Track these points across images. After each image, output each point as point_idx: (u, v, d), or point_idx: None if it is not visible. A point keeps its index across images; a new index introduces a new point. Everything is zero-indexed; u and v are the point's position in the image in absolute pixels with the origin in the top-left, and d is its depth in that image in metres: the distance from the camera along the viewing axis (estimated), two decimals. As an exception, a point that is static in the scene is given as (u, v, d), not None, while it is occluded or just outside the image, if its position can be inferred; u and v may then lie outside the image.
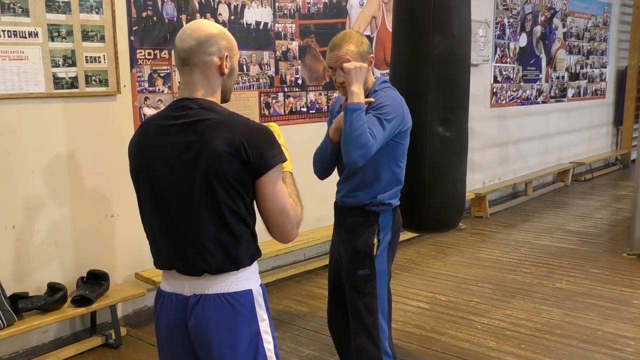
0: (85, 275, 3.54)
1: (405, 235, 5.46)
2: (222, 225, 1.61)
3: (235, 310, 1.63)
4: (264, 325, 1.67)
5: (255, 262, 1.72)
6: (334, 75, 2.38)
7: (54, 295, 3.27)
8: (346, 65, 2.28)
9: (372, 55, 2.41)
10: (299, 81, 4.80)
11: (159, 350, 1.78)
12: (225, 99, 1.74)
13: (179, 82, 1.98)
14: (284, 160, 1.64)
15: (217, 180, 1.57)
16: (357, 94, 2.25)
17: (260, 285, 1.72)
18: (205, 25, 1.66)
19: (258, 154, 1.57)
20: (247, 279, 1.67)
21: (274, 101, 4.63)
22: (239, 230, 1.62)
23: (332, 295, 2.69)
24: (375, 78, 2.48)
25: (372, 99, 2.36)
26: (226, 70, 1.67)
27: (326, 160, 2.51)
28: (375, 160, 2.35)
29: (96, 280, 3.50)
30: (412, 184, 3.01)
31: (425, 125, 2.96)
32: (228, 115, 1.62)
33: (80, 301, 3.37)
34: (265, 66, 4.54)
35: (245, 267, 1.66)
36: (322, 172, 2.56)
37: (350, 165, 2.28)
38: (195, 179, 1.58)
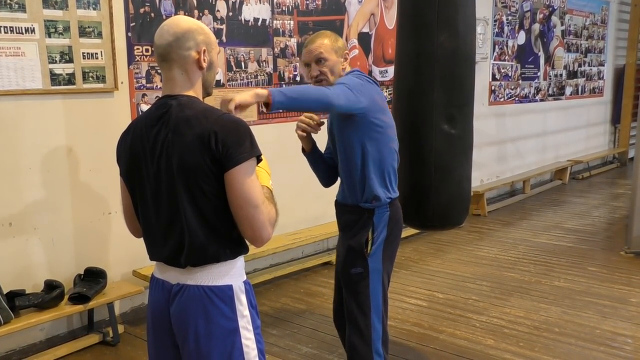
0: (82, 272, 3.52)
1: (403, 233, 5.43)
2: (202, 219, 1.63)
3: (214, 303, 1.65)
4: (244, 322, 1.69)
5: (241, 257, 1.73)
6: (309, 71, 2.41)
7: (51, 293, 3.26)
8: (229, 107, 1.84)
9: (347, 52, 2.45)
10: (297, 78, 4.79)
11: (147, 332, 1.84)
12: (207, 92, 1.76)
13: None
14: (256, 154, 1.62)
15: (192, 174, 1.59)
16: (258, 93, 2.08)
17: (244, 281, 1.73)
18: (182, 21, 1.68)
19: (227, 147, 1.56)
20: (228, 274, 1.68)
21: (272, 98, 4.61)
22: (219, 224, 1.64)
23: (337, 289, 2.71)
24: (351, 70, 2.45)
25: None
26: (204, 65, 1.69)
27: (318, 170, 2.63)
28: (363, 157, 2.37)
29: (93, 278, 3.49)
30: (417, 181, 3.02)
31: (431, 123, 2.95)
32: (202, 110, 1.63)
33: (78, 299, 3.36)
34: (264, 63, 4.52)
35: (227, 260, 1.68)
36: (322, 180, 2.68)
37: (342, 110, 2.23)
38: (173, 174, 1.62)
